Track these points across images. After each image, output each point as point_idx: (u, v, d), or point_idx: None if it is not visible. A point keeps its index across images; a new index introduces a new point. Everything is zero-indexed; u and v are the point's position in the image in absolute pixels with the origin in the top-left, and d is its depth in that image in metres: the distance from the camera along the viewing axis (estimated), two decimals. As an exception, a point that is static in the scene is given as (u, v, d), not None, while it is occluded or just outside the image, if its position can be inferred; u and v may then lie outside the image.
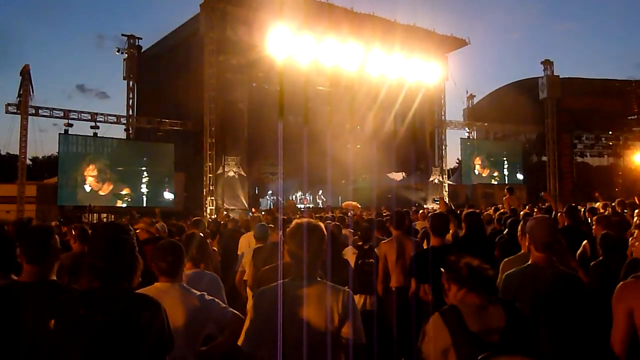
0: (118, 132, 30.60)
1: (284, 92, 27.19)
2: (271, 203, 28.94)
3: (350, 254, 6.74)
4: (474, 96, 40.04)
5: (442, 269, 2.75)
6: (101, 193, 24.10)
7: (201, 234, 4.76)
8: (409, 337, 4.82)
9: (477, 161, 35.08)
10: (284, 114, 29.29)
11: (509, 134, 38.96)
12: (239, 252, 7.89)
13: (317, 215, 14.57)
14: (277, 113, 28.27)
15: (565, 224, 7.24)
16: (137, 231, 6.60)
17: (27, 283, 2.92)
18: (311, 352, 2.77)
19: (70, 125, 23.68)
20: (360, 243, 7.08)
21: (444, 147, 33.10)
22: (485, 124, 36.47)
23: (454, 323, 2.54)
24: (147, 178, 25.21)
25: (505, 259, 4.45)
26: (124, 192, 24.74)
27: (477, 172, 35.04)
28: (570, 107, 35.73)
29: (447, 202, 15.12)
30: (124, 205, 24.67)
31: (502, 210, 11.38)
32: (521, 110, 34.44)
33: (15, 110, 22.72)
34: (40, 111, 23.39)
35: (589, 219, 8.19)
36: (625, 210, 9.20)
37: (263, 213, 17.75)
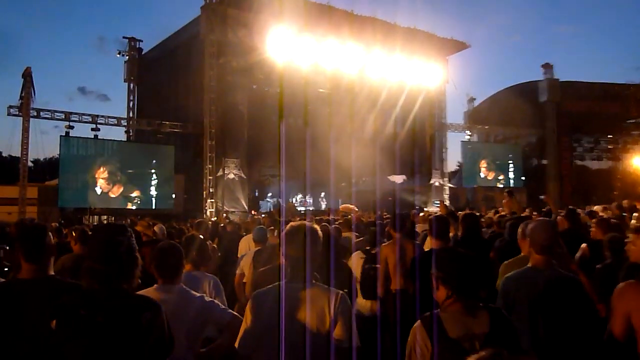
0: (118, 134, 30.64)
1: (284, 95, 27.21)
2: (271, 205, 28.94)
3: (357, 259, 6.74)
4: (475, 99, 40.05)
5: (434, 268, 2.73)
6: (112, 195, 24.09)
7: (201, 236, 4.76)
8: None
9: (483, 164, 35.02)
10: (284, 116, 29.31)
11: (509, 137, 38.95)
12: (238, 255, 7.90)
13: (317, 217, 14.57)
14: (278, 115, 28.31)
15: (565, 227, 7.24)
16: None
17: (28, 280, 2.99)
18: (306, 354, 2.76)
19: (72, 127, 23.67)
20: (368, 247, 7.07)
21: (444, 150, 33.11)
22: (486, 127, 36.46)
23: (434, 330, 2.53)
24: (157, 180, 25.20)
25: (505, 262, 4.46)
26: (134, 194, 24.72)
27: (482, 175, 35.00)
28: (570, 111, 35.73)
29: (447, 205, 15.13)
30: (134, 207, 24.67)
31: (502, 213, 11.37)
32: (521, 113, 34.43)
33: (16, 113, 22.73)
34: (41, 113, 23.38)
35: (588, 222, 8.19)
36: (624, 214, 9.20)
37: (263, 216, 17.77)
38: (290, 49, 24.37)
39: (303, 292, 2.85)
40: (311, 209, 28.64)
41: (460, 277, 2.60)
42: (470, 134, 36.30)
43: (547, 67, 35.93)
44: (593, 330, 3.43)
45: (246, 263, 6.29)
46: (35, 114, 23.13)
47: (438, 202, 26.31)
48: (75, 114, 24.07)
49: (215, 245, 8.23)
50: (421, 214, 12.93)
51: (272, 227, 8.08)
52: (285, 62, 24.41)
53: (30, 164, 31.91)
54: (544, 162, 37.02)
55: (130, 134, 29.97)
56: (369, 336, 6.52)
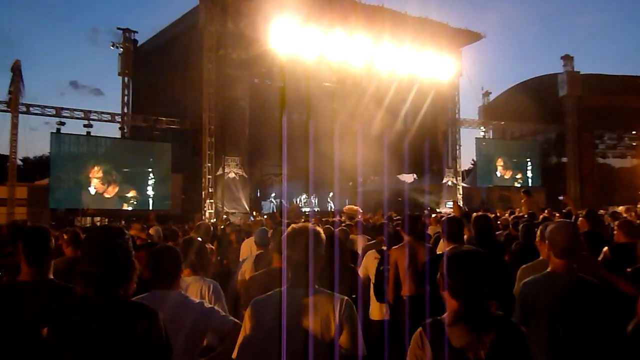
0: (112, 130, 30.69)
1: (287, 89, 27.24)
2: (274, 206, 28.96)
3: (372, 259, 6.75)
4: (490, 93, 40.06)
5: (443, 271, 2.66)
6: (106, 196, 24.14)
7: (199, 238, 4.77)
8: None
9: (499, 162, 34.97)
10: (287, 112, 29.36)
11: (527, 134, 38.90)
12: (240, 259, 7.92)
13: (323, 219, 14.60)
14: (280, 111, 28.32)
15: (586, 229, 7.21)
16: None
17: (29, 282, 3.18)
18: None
19: (63, 123, 23.75)
20: (384, 248, 7.07)
21: (458, 147, 33.08)
22: (502, 122, 36.39)
23: (436, 337, 2.51)
24: (154, 180, 25.24)
25: (523, 266, 4.45)
26: (130, 194, 24.78)
27: (499, 174, 34.95)
28: (592, 105, 35.63)
29: (461, 205, 15.11)
30: (130, 208, 24.72)
31: (517, 214, 11.35)
32: (540, 108, 34.36)
33: (5, 108, 22.82)
34: (31, 109, 23.47)
35: (611, 223, 8.16)
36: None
37: (265, 217, 17.80)
38: (293, 41, 24.34)
39: (306, 299, 2.84)
40: (316, 209, 28.62)
41: (467, 281, 2.55)
42: (485, 130, 36.27)
43: (567, 59, 35.84)
44: (617, 339, 3.41)
45: (247, 267, 6.29)
46: (24, 109, 23.22)
47: (451, 202, 26.26)
48: (67, 109, 24.16)
49: (213, 248, 8.27)
50: (433, 216, 12.93)
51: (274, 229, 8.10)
52: (288, 55, 24.40)
53: (19, 162, 32.00)
54: (564, 160, 36.94)
55: (125, 130, 30.03)
56: (379, 343, 6.54)
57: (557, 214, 11.28)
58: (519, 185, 34.07)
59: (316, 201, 30.46)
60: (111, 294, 2.48)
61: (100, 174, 23.92)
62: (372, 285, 6.43)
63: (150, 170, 25.28)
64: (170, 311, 3.16)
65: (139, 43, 32.20)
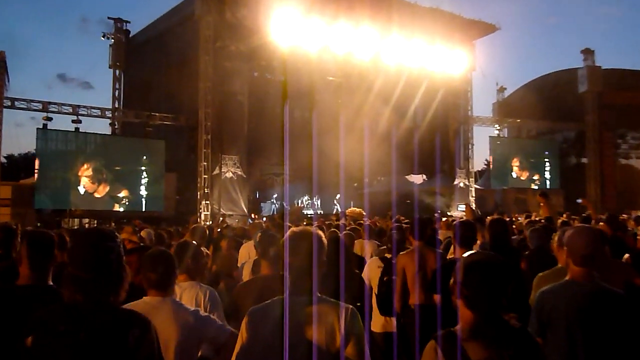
0: (102, 126, 30.76)
1: (288, 84, 27.22)
2: (275, 208, 28.96)
3: (375, 267, 6.72)
4: (505, 89, 40.04)
5: (458, 278, 2.64)
6: (97, 195, 24.15)
7: (194, 242, 4.77)
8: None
9: (515, 162, 34.93)
10: (288, 107, 29.32)
11: (544, 132, 38.87)
12: (238, 264, 7.92)
13: (326, 222, 14.58)
14: (281, 107, 28.30)
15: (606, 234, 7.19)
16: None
17: (29, 286, 3.36)
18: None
19: (50, 119, 23.77)
20: (389, 256, 7.04)
21: (470, 147, 33.07)
22: (518, 120, 36.36)
23: (450, 351, 2.50)
24: (147, 179, 25.25)
25: (540, 274, 4.43)
26: (122, 194, 24.78)
27: (514, 175, 34.91)
28: (614, 102, 35.57)
29: (474, 208, 15.10)
30: (122, 209, 24.72)
31: (533, 218, 11.33)
32: (558, 105, 34.34)
33: (-12, 102, 22.85)
34: (16, 103, 23.52)
35: (634, 229, 8.15)
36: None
37: (265, 220, 17.80)
38: (296, 32, 24.36)
39: (309, 308, 2.81)
40: (320, 212, 28.62)
41: (486, 291, 2.53)
42: (499, 128, 36.24)
43: (588, 52, 35.78)
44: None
45: (245, 272, 6.29)
46: (9, 103, 23.26)
47: (463, 205, 26.25)
48: (54, 103, 24.19)
49: (209, 252, 8.27)
50: (444, 219, 12.92)
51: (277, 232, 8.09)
52: (290, 47, 24.41)
53: (3, 160, 32.12)
54: (584, 160, 36.88)
55: (116, 126, 30.10)
56: (383, 357, 6.53)
57: (576, 219, 11.28)
58: (536, 187, 33.97)
59: (319, 203, 30.45)
60: (101, 301, 2.46)
61: (90, 173, 23.94)
62: (374, 296, 6.40)
63: (143, 169, 25.29)
64: (164, 319, 3.17)
65: (132, 34, 32.27)
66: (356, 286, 5.53)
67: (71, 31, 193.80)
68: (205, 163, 24.68)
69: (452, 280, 2.67)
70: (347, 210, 26.63)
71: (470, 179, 32.78)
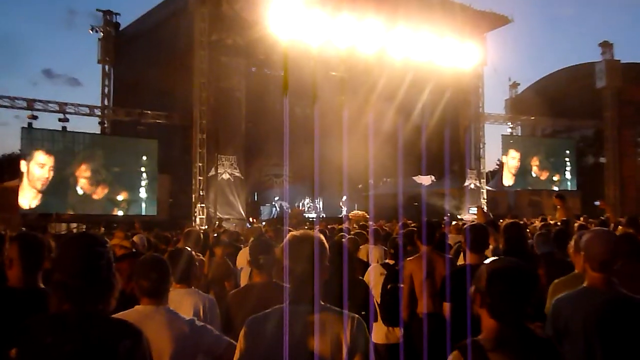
0: (91, 125, 30.75)
1: (289, 79, 27.21)
2: (275, 212, 28.95)
3: (377, 275, 6.71)
4: (518, 85, 40.03)
5: (481, 286, 2.64)
6: (95, 197, 24.12)
7: (187, 247, 4.79)
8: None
9: (535, 162, 34.85)
10: (289, 104, 29.31)
11: (560, 130, 38.82)
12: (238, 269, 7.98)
13: (329, 226, 14.60)
14: (281, 104, 28.32)
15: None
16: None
17: (21, 289, 3.46)
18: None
19: (35, 117, 23.78)
20: (392, 262, 7.03)
21: (481, 146, 33.04)
22: (532, 117, 36.31)
23: None
24: (147, 181, 25.23)
25: (556, 281, 4.43)
26: (121, 197, 24.76)
27: (534, 175, 34.84)
28: (634, 98, 35.54)
29: (486, 211, 15.08)
30: (121, 213, 24.69)
31: (549, 222, 11.34)
32: (574, 101, 34.32)
33: (-31, 100, 22.90)
34: (-1, 101, 23.57)
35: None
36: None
37: (264, 224, 17.82)
38: (296, 24, 24.35)
39: (311, 317, 2.80)
40: (323, 215, 28.63)
41: (513, 300, 2.54)
42: (512, 126, 36.22)
43: (606, 46, 35.74)
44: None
45: (243, 279, 6.31)
46: (-8, 101, 23.29)
47: (475, 208, 26.22)
48: (40, 101, 24.21)
49: (204, 259, 8.28)
50: (453, 223, 12.93)
51: (275, 237, 8.09)
52: (290, 40, 24.39)
53: (-15, 161, 32.12)
54: (602, 160, 36.84)
55: (105, 125, 30.10)
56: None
57: (594, 222, 11.28)
58: (556, 188, 33.79)
59: (321, 206, 30.44)
60: (90, 311, 2.46)
61: (88, 174, 23.92)
62: (377, 306, 6.38)
63: (143, 170, 25.23)
64: (157, 330, 3.17)
65: (122, 27, 32.28)
66: (361, 294, 5.53)
67: (57, 24, 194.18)
68: (200, 164, 24.68)
69: (473, 288, 2.67)
70: (350, 214, 26.66)
71: (482, 180, 32.73)
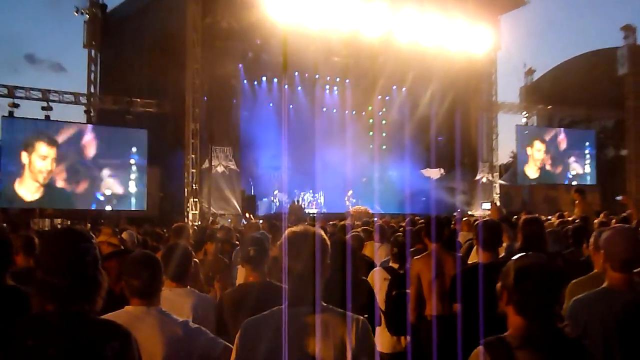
0: (76, 114, 30.67)
1: (288, 65, 27.18)
2: (274, 207, 28.93)
3: (380, 280, 6.70)
4: (534, 71, 39.95)
5: (508, 283, 2.65)
6: (78, 191, 24.01)
7: (184, 244, 4.79)
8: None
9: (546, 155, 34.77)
10: (287, 91, 29.33)
11: (579, 120, 38.70)
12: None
13: (331, 222, 14.57)
14: (280, 90, 28.32)
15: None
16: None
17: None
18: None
19: (17, 105, 23.73)
20: (396, 265, 7.01)
21: (494, 137, 32.98)
22: (548, 107, 36.22)
23: (501, 358, 2.53)
24: (136, 174, 25.16)
25: (574, 281, 4.43)
26: (108, 191, 24.65)
27: (547, 168, 34.74)
28: (659, 86, 35.44)
29: (499, 206, 15.08)
30: (109, 208, 24.62)
31: (567, 218, 11.34)
32: (594, 89, 34.21)
33: (-54, 87, 22.88)
34: (-23, 88, 23.53)
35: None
36: None
37: (262, 221, 17.80)
38: (296, 6, 24.32)
39: (313, 319, 2.80)
40: (323, 210, 28.60)
41: (543, 298, 2.58)
42: (527, 115, 36.13)
43: (629, 29, 35.61)
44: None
45: (240, 279, 6.31)
46: (-31, 88, 23.27)
47: (488, 203, 26.19)
48: (21, 88, 24.17)
49: (197, 261, 8.28)
50: (464, 219, 12.92)
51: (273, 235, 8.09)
52: (289, 23, 24.34)
53: (-37, 152, 32.07)
54: (623, 152, 36.77)
55: (92, 114, 30.03)
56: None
57: (615, 218, 11.26)
58: (575, 183, 33.65)
59: (322, 200, 30.41)
60: (75, 311, 2.45)
61: (63, 167, 23.83)
62: (381, 312, 6.37)
63: (132, 162, 25.16)
64: (148, 332, 3.17)
65: (109, 8, 32.17)
66: (364, 295, 5.53)
67: (40, 5, 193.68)
68: (193, 155, 24.65)
69: (499, 285, 2.71)
70: (351, 209, 26.65)
71: (495, 174, 32.68)
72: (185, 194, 24.65)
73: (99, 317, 2.65)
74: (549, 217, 14.39)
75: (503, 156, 39.31)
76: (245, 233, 9.97)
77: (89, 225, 21.02)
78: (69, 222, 23.97)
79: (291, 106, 31.00)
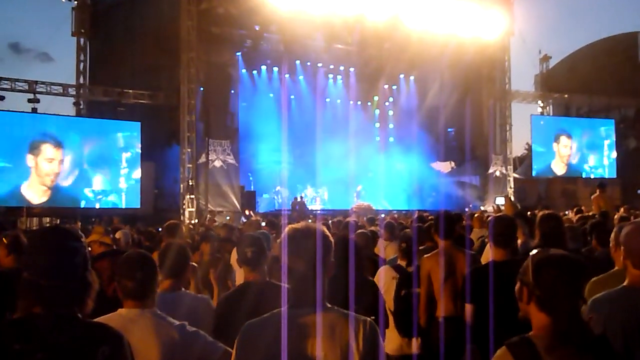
0: (64, 106, 30.56)
1: (289, 52, 27.17)
2: (276, 203, 28.91)
3: (388, 278, 6.68)
4: (550, 58, 39.77)
5: (528, 279, 2.65)
6: (64, 185, 23.95)
7: (180, 242, 4.79)
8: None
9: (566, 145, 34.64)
10: (288, 81, 29.33)
11: (597, 110, 38.65)
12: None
13: (335, 219, 14.58)
14: (280, 80, 28.31)
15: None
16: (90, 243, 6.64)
17: None
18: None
19: (2, 97, 23.76)
20: (403, 262, 7.00)
21: (508, 128, 32.92)
22: (565, 95, 36.18)
23: (527, 358, 2.52)
24: (128, 170, 25.07)
25: (594, 279, 4.42)
26: (99, 187, 24.56)
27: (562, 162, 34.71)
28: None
29: (513, 201, 15.07)
30: (98, 205, 24.55)
31: (586, 214, 11.33)
32: (614, 76, 34.16)
33: None
34: (-41, 79, 23.56)
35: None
36: None
37: (264, 224, 17.78)
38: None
39: (316, 321, 2.78)
40: (328, 208, 28.57)
41: (569, 292, 2.58)
42: (543, 105, 36.08)
43: (650, 13, 35.57)
44: None
45: (238, 280, 6.31)
46: (-48, 80, 23.31)
47: (502, 198, 26.16)
48: (6, 79, 24.18)
49: (195, 265, 8.28)
50: (476, 215, 12.91)
51: (274, 232, 8.08)
52: (290, 9, 24.31)
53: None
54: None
55: (81, 106, 30.02)
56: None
57: (636, 213, 11.26)
58: (593, 177, 33.52)
59: (325, 195, 30.37)
60: (64, 314, 2.44)
61: (55, 162, 23.80)
62: (390, 313, 6.36)
63: (124, 156, 25.11)
64: (142, 336, 3.18)
65: (99, -6, 32.17)
66: (370, 296, 5.52)
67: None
68: (189, 150, 24.66)
69: (518, 283, 2.71)
70: (354, 205, 26.65)
71: (508, 167, 32.60)
72: (181, 190, 24.64)
73: (91, 320, 2.64)
74: (566, 212, 14.41)
75: (517, 148, 39.22)
76: (245, 231, 9.95)
77: (79, 224, 21.04)
78: (58, 221, 23.98)
79: (292, 96, 31.00)
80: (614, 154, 35.26)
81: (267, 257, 4.71)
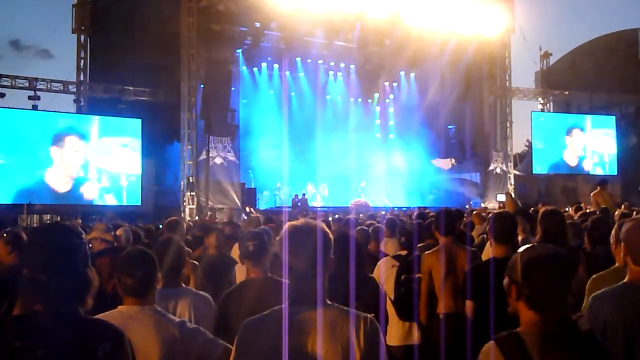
0: (65, 103, 30.50)
1: (290, 49, 27.16)
2: (277, 199, 28.89)
3: (387, 267, 6.70)
4: (550, 55, 39.71)
5: (517, 277, 2.65)
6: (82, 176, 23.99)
7: (177, 237, 4.79)
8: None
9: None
10: (289, 78, 29.32)
11: (598, 107, 38.62)
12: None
13: (336, 216, 14.59)
14: (281, 76, 28.29)
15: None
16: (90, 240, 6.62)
17: None
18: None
19: (2, 95, 23.75)
20: (404, 253, 7.03)
21: (508, 125, 32.90)
22: (566, 92, 36.15)
23: (514, 354, 2.53)
24: (129, 167, 24.98)
25: (594, 276, 4.42)
26: (99, 185, 24.53)
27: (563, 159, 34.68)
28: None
29: (514, 198, 15.08)
30: (100, 203, 24.52)
31: (587, 210, 11.33)
32: (615, 74, 34.13)
33: None
34: (-41, 76, 23.56)
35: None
36: None
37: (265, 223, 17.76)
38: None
39: (317, 318, 2.77)
40: (328, 205, 28.56)
41: (556, 290, 2.58)
42: (544, 102, 36.05)
43: (651, 9, 35.54)
44: None
45: (239, 277, 6.31)
46: (-48, 77, 23.31)
47: (503, 195, 26.15)
48: (6, 76, 24.20)
49: (197, 263, 8.27)
50: (476, 212, 12.92)
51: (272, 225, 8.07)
52: (290, 6, 24.29)
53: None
54: (646, 141, 36.72)
55: (81, 103, 30.01)
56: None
57: (637, 210, 11.26)
58: (595, 174, 33.50)
59: (327, 192, 30.36)
60: (64, 311, 2.44)
61: (80, 153, 23.83)
62: (389, 301, 6.36)
63: (127, 153, 25.06)
64: (143, 333, 3.18)
65: (99, -9, 32.15)
66: (370, 293, 5.52)
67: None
68: (189, 147, 24.66)
69: (507, 280, 2.70)
70: (351, 202, 26.68)
71: (509, 164, 32.58)
72: (182, 187, 24.65)
73: (91, 317, 2.64)
74: (567, 209, 14.42)
75: (518, 145, 39.19)
76: (245, 228, 9.95)
77: (80, 220, 21.04)
78: (58, 218, 23.98)
79: (293, 93, 30.98)
80: (615, 151, 35.25)
81: (269, 252, 4.70)
